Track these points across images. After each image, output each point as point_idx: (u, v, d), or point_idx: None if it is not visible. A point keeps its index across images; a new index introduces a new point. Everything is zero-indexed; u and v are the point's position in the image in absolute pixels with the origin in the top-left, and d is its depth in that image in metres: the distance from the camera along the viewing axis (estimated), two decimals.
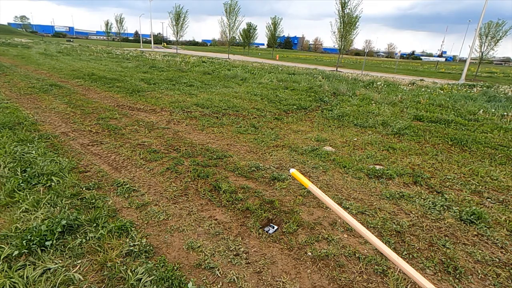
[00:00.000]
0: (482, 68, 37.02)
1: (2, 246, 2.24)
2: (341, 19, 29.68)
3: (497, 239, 2.77)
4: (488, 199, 3.55)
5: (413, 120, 7.26)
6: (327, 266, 2.33)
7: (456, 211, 3.20)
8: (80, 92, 8.59)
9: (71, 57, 20.85)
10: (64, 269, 2.10)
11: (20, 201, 2.86)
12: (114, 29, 70.60)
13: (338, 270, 2.30)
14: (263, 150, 4.78)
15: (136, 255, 2.29)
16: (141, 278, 2.05)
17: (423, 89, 13.32)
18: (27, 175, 3.30)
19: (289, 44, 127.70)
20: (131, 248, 2.35)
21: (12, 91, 8.02)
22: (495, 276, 2.32)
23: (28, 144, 4.27)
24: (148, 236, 2.55)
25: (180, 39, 51.76)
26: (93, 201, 2.98)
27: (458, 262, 2.44)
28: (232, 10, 42.95)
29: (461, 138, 5.77)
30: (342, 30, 30.11)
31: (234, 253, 2.42)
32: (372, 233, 2.74)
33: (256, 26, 56.74)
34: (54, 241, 2.32)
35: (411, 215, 3.12)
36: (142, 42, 72.80)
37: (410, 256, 2.50)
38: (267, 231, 2.71)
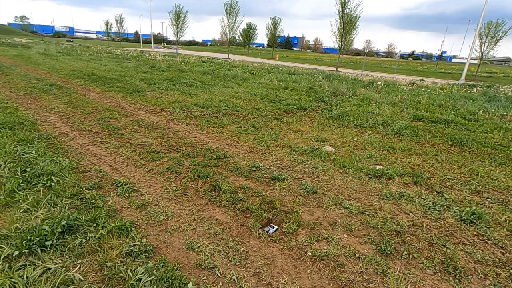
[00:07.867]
0: (482, 68, 37.00)
1: (2, 246, 2.24)
2: (341, 19, 29.69)
3: (497, 239, 2.77)
4: (488, 199, 3.55)
5: (413, 120, 7.26)
6: (327, 266, 2.33)
7: (456, 211, 3.20)
8: (80, 92, 8.59)
9: (71, 57, 20.84)
10: (64, 269, 2.11)
11: (20, 201, 2.86)
12: (114, 29, 70.58)
13: (338, 270, 2.30)
14: (263, 150, 4.78)
15: (136, 255, 2.29)
16: (141, 278, 2.05)
17: (423, 89, 13.31)
18: (27, 175, 3.30)
19: (289, 44, 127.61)
20: (131, 248, 2.35)
21: (12, 91, 8.02)
22: (495, 276, 2.32)
23: (28, 144, 4.27)
24: (148, 236, 2.55)
25: (180, 39, 51.70)
26: (93, 201, 2.98)
27: (458, 262, 2.44)
28: (232, 10, 42.93)
29: (461, 138, 5.77)
30: (342, 30, 30.12)
31: (234, 253, 2.42)
32: (372, 233, 2.75)
33: (256, 26, 56.69)
34: (54, 241, 2.32)
35: (411, 215, 3.12)
36: (142, 42, 72.72)
37: (410, 256, 2.50)
38: (267, 231, 2.71)
